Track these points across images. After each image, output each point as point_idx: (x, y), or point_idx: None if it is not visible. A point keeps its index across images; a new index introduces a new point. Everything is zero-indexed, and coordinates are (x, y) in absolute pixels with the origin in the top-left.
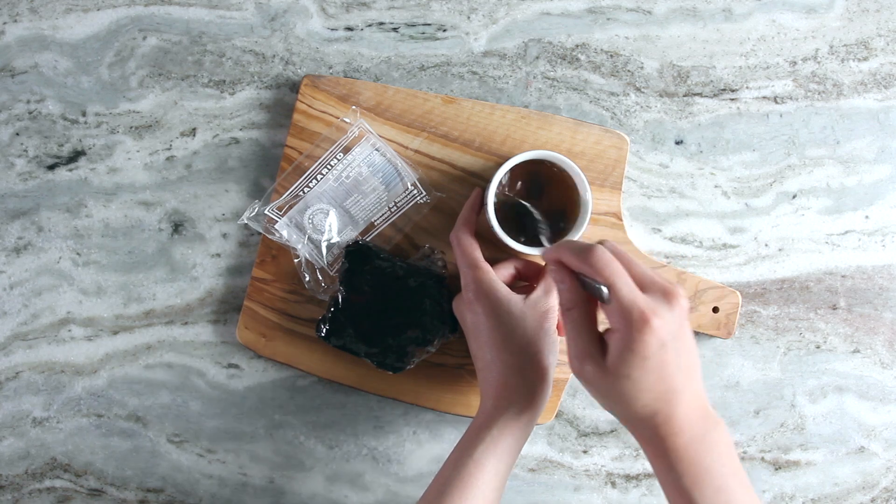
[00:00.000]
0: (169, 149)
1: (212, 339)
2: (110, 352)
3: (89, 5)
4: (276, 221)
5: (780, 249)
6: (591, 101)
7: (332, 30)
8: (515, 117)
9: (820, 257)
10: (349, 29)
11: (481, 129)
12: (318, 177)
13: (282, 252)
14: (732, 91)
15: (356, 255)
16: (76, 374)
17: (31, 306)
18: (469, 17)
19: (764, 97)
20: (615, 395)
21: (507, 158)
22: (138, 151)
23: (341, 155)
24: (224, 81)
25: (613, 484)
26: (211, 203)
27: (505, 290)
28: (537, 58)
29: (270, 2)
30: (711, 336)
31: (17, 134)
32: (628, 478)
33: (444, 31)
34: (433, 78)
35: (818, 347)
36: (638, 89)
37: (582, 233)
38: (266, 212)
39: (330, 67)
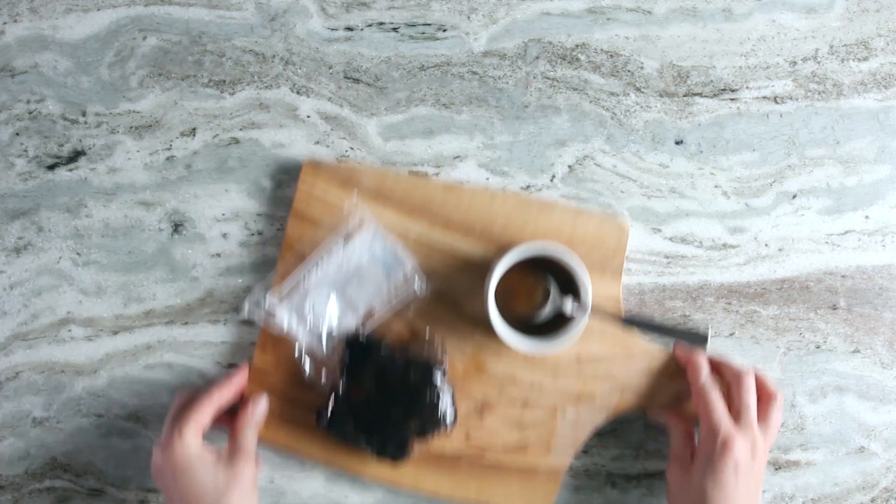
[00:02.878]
0: (169, 149)
1: (212, 339)
2: (110, 352)
3: (89, 5)
4: (276, 313)
5: (780, 249)
6: (591, 101)
7: (332, 30)
8: (516, 204)
9: (820, 257)
10: (349, 29)
11: (482, 216)
12: (320, 263)
13: (282, 338)
14: (732, 91)
15: (357, 349)
16: (76, 374)
17: (31, 306)
18: (469, 17)
19: (764, 97)
20: (690, 496)
21: (506, 246)
22: (138, 151)
23: (342, 242)
24: (224, 81)
25: (613, 484)
26: (211, 203)
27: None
28: (537, 58)
29: (270, 2)
30: None
31: (17, 134)
32: (628, 478)
33: (444, 31)
34: (433, 78)
35: (818, 347)
36: (638, 89)
37: (584, 324)
38: (266, 306)
39: (330, 67)
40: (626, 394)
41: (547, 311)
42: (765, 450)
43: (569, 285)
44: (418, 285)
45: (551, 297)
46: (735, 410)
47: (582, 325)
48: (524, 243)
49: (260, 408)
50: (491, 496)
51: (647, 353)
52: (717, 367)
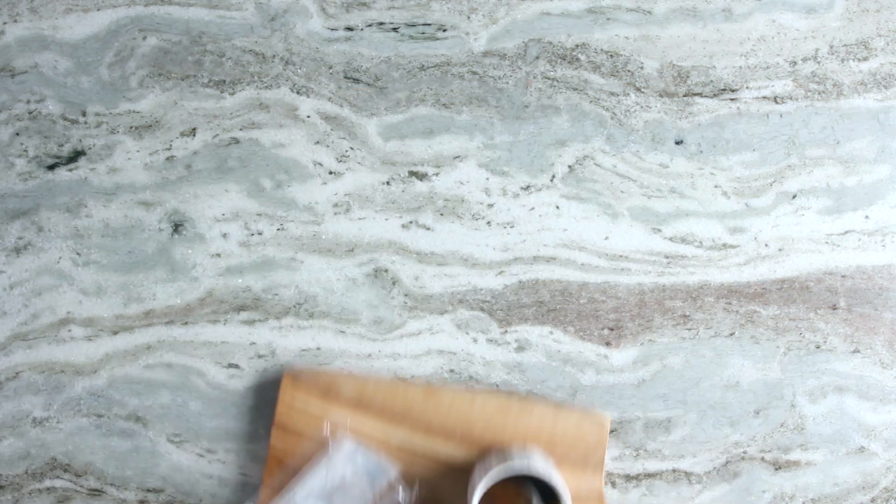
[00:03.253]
0: (169, 149)
1: (212, 339)
2: (110, 352)
3: (89, 5)
4: None
5: (780, 249)
6: (591, 101)
7: (332, 30)
8: (496, 406)
9: (820, 257)
10: (349, 29)
11: (462, 419)
12: (304, 479)
13: None
14: (732, 91)
15: None
16: (76, 374)
17: (31, 306)
18: (469, 17)
19: (764, 97)
20: None
21: (488, 448)
22: (138, 151)
23: (325, 456)
24: (224, 81)
25: (613, 484)
26: (211, 203)
27: None
28: (537, 58)
29: (270, 2)
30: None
31: (17, 134)
32: (628, 478)
33: (444, 31)
34: (433, 78)
35: (818, 347)
36: (638, 89)
37: None
38: None
39: (330, 67)
40: None
41: None
42: None
43: (550, 493)
44: (402, 495)
45: None
46: None
47: None
48: (505, 464)
49: None
50: None
51: None
52: None
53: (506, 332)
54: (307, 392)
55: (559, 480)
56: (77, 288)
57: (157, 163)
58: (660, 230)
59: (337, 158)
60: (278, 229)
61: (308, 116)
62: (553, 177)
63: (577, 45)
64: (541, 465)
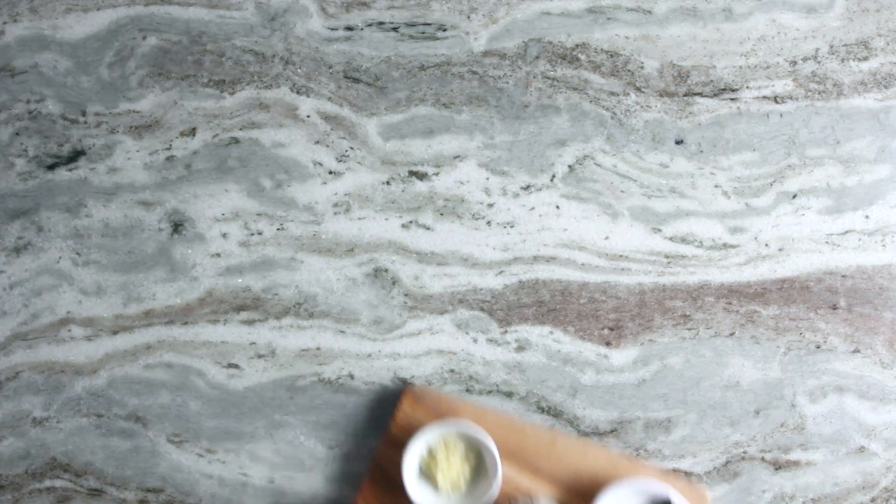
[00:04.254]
0: (169, 149)
1: (212, 338)
2: (110, 352)
3: (89, 5)
4: None
5: (780, 249)
6: (591, 101)
7: (332, 29)
8: (606, 462)
9: (820, 257)
10: (349, 29)
11: (571, 469)
12: None
13: None
14: (732, 91)
15: None
16: (76, 374)
17: (31, 306)
18: (469, 17)
19: (764, 97)
20: None
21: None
22: (138, 151)
23: None
24: (224, 81)
25: None
26: (211, 203)
27: None
28: (537, 57)
29: (270, 2)
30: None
31: (17, 134)
32: None
33: (444, 30)
34: (433, 78)
35: (818, 347)
36: (638, 89)
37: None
38: None
39: (330, 67)
40: None
41: None
42: None
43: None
44: None
45: None
46: None
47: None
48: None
49: None
50: None
51: None
52: None
53: (506, 331)
54: (425, 412)
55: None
56: (77, 288)
57: (157, 163)
58: (660, 230)
59: (337, 158)
60: (278, 229)
61: (308, 116)
62: (553, 176)
63: (577, 45)
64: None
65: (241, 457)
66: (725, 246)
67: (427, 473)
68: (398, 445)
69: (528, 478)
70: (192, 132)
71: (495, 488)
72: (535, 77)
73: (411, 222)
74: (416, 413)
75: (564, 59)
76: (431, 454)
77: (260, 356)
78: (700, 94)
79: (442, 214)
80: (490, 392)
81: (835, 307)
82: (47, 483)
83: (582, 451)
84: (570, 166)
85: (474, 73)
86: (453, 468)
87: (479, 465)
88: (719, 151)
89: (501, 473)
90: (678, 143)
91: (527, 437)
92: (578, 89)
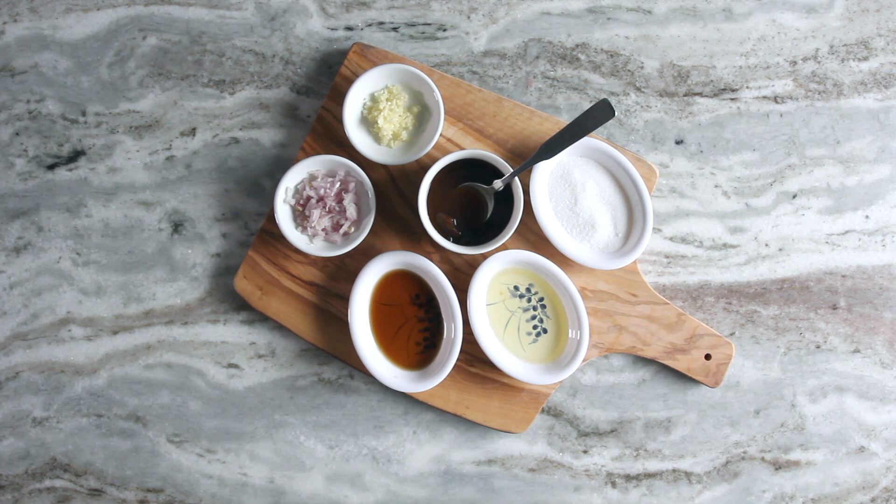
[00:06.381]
0: (169, 149)
1: (212, 338)
2: (110, 352)
3: (89, 5)
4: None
5: (780, 249)
6: (591, 101)
7: (332, 29)
8: (553, 126)
9: (820, 257)
10: (349, 28)
11: (517, 132)
12: None
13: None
14: (732, 91)
15: None
16: (76, 374)
17: (31, 306)
18: (469, 17)
19: (764, 97)
20: None
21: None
22: (138, 151)
23: None
24: (224, 81)
25: (614, 484)
26: (211, 203)
27: None
28: (537, 57)
29: (270, 2)
30: (698, 382)
31: (17, 134)
32: (628, 478)
33: (444, 30)
34: (433, 78)
35: (818, 347)
36: (638, 89)
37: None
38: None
39: (330, 67)
40: (622, 335)
41: (490, 207)
42: None
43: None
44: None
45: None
46: None
47: (519, 192)
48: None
49: None
50: (469, 408)
51: (651, 301)
52: None
53: None
54: (371, 67)
55: (495, 159)
56: (77, 288)
57: (157, 163)
58: (660, 230)
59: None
60: None
61: (308, 116)
62: None
63: (577, 45)
64: (477, 151)
65: (241, 457)
66: (725, 246)
67: (369, 121)
68: (341, 96)
69: (472, 139)
70: (192, 132)
71: (436, 139)
72: (535, 77)
73: None
74: (365, 66)
75: (564, 59)
76: (375, 100)
77: (260, 356)
78: (700, 94)
79: None
80: None
81: (835, 307)
82: (47, 483)
83: (527, 118)
84: None
85: (474, 72)
86: (395, 117)
87: (421, 118)
88: (719, 151)
89: (443, 126)
90: (678, 143)
91: (473, 98)
92: (578, 89)
